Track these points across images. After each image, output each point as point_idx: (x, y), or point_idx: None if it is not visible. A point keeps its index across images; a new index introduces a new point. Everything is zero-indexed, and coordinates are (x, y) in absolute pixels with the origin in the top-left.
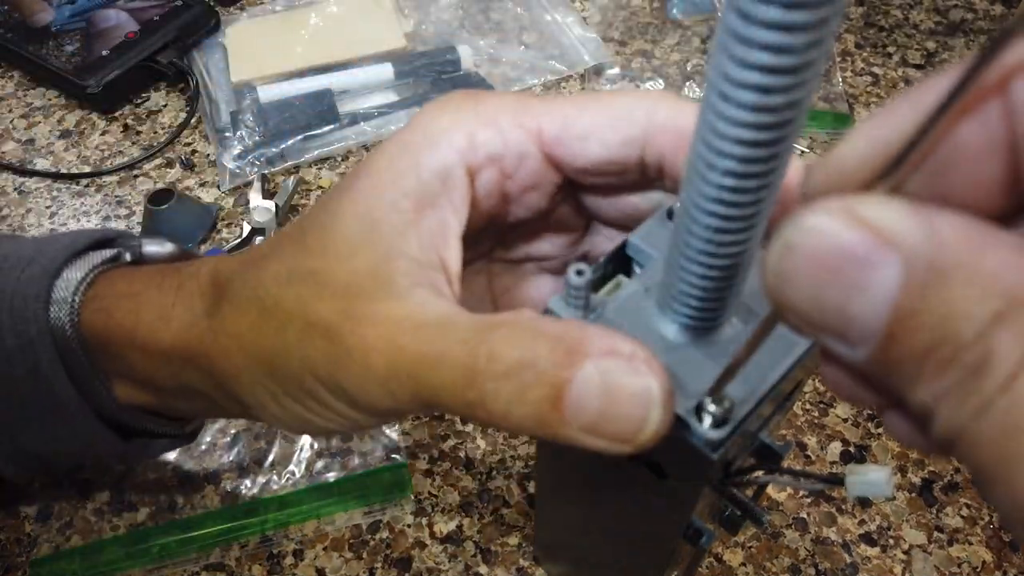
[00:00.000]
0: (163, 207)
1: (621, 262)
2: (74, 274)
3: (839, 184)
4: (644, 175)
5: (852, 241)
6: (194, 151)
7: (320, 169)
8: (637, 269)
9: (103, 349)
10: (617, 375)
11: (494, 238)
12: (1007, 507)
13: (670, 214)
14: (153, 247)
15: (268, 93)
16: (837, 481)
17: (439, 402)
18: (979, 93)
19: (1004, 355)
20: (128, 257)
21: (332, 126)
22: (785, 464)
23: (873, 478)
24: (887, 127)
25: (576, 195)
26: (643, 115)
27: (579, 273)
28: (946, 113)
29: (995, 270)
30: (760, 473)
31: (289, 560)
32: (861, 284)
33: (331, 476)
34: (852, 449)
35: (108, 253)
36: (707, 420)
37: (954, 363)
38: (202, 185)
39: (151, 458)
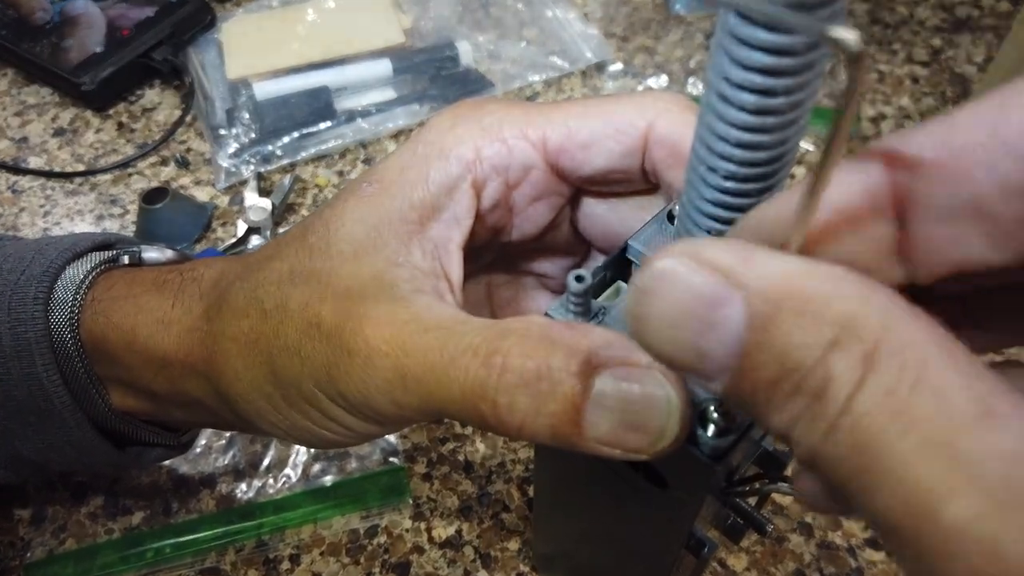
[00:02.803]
0: (157, 206)
1: (620, 267)
2: (74, 275)
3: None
4: (649, 182)
5: (699, 283)
6: (189, 149)
7: (317, 167)
8: None
9: (100, 353)
10: (635, 386)
11: (497, 252)
12: (870, 519)
13: (670, 217)
14: (153, 253)
15: (264, 90)
16: None
17: (447, 412)
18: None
19: (842, 378)
20: (127, 260)
21: (329, 123)
22: (789, 471)
23: None
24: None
25: (578, 220)
26: (644, 125)
27: (579, 279)
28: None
29: (826, 300)
30: (763, 483)
31: (286, 565)
32: (711, 322)
33: (328, 480)
34: None
35: (108, 254)
36: (711, 428)
37: (799, 391)
38: (197, 184)
39: (145, 468)
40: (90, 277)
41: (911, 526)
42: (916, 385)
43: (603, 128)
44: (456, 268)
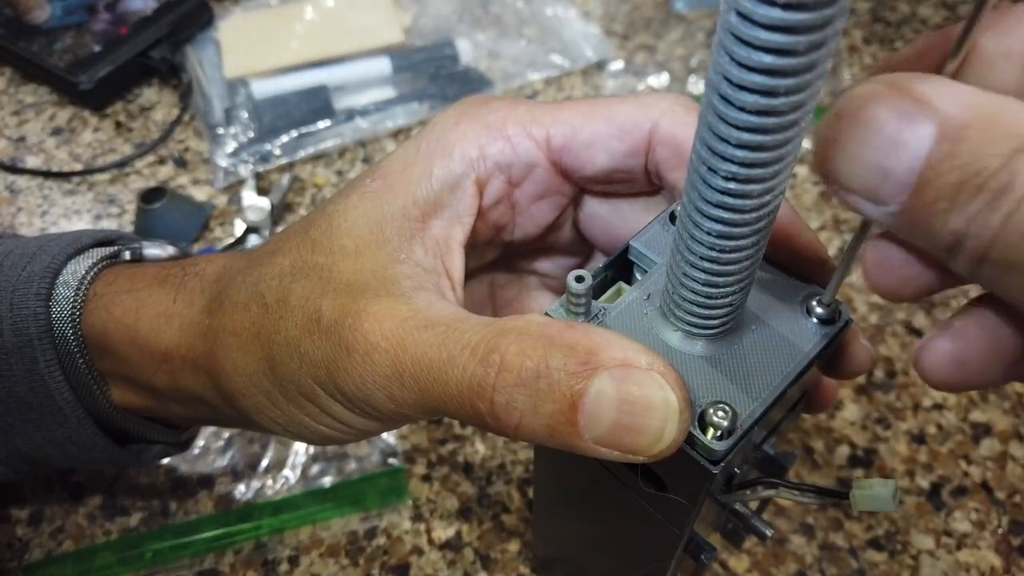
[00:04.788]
0: (155, 205)
1: (622, 268)
2: (76, 270)
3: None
4: (652, 183)
5: (896, 104)
6: (187, 148)
7: (315, 166)
8: (638, 275)
9: (102, 348)
10: (634, 387)
11: (500, 251)
12: None
13: (672, 218)
14: (154, 250)
15: (262, 89)
16: (842, 495)
17: (445, 410)
18: None
19: None
20: (128, 256)
21: (328, 122)
22: (791, 472)
23: (878, 492)
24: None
25: (580, 220)
26: (648, 125)
27: (579, 280)
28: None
29: (1012, 119)
30: (763, 488)
31: (284, 567)
32: (899, 141)
33: (326, 481)
34: (860, 453)
35: (109, 250)
36: (710, 432)
37: (983, 188)
38: (195, 183)
39: (145, 466)
40: (92, 273)
41: None
42: None
43: (607, 128)
44: (457, 265)
